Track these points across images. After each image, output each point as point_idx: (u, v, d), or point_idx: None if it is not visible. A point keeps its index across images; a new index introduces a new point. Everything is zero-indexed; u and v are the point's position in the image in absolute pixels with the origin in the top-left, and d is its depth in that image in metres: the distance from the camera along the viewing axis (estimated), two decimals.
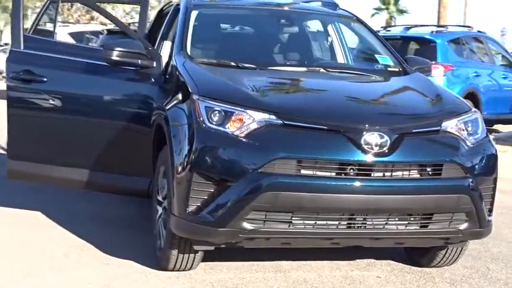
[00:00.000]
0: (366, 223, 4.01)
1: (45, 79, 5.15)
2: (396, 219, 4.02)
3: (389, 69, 5.21)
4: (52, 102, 5.23)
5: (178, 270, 4.47)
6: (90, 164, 5.18)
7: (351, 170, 3.87)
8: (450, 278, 4.69)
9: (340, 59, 5.92)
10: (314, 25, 5.98)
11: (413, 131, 4.04)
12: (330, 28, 6.01)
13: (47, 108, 5.24)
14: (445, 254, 4.68)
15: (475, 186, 4.05)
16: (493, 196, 4.29)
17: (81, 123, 5.18)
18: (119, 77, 5.10)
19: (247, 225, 3.89)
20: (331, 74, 5.03)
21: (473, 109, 4.44)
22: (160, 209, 4.62)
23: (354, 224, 4.00)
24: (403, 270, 4.78)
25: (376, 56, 5.35)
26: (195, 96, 4.13)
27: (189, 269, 4.48)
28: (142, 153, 5.03)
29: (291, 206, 3.86)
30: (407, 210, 3.98)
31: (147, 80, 5.01)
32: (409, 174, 3.97)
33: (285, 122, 3.95)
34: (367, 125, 3.96)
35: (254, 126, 3.95)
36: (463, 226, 4.11)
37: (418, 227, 4.10)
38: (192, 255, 4.34)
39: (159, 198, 4.64)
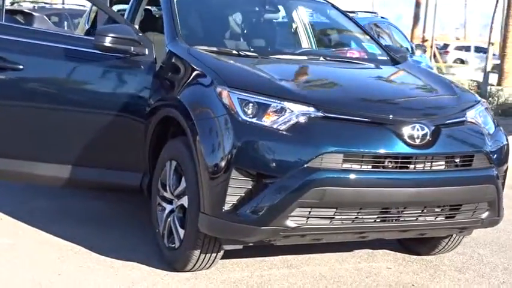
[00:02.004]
0: (400, 216, 3.95)
1: (21, 66, 4.67)
2: (429, 211, 3.98)
3: (379, 57, 5.18)
4: (30, 92, 4.76)
5: (192, 271, 4.22)
6: (74, 159, 4.80)
7: (396, 163, 3.80)
8: (453, 265, 4.77)
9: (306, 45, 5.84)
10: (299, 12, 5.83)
11: (446, 122, 4.03)
12: (296, 14, 5.89)
13: (24, 99, 4.78)
14: (448, 242, 4.74)
15: (498, 176, 4.11)
16: (503, 184, 4.37)
17: (64, 114, 4.77)
18: (106, 64, 4.75)
19: (290, 223, 3.74)
20: (339, 63, 4.92)
21: (482, 99, 4.50)
22: (168, 207, 4.35)
23: (390, 217, 3.94)
24: (406, 260, 4.80)
25: (364, 44, 5.30)
26: (224, 88, 3.90)
27: (204, 269, 4.23)
28: (133, 146, 4.72)
29: (337, 201, 3.74)
30: (444, 201, 3.97)
31: (137, 68, 4.69)
32: (446, 166, 3.95)
33: (326, 114, 3.82)
34: (408, 117, 3.92)
35: (294, 119, 3.79)
36: (485, 215, 4.16)
37: (444, 218, 4.09)
38: (214, 254, 4.14)
39: (166, 195, 4.37)
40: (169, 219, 4.34)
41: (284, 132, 3.74)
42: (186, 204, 4.11)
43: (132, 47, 4.61)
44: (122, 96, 4.71)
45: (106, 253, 4.53)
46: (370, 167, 3.79)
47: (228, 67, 4.23)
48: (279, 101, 3.84)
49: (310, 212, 3.76)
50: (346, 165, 3.74)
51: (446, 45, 36.10)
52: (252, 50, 4.84)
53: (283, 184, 3.68)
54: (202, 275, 4.23)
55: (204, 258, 4.13)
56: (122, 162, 4.81)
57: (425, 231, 4.22)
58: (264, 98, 3.85)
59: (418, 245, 4.84)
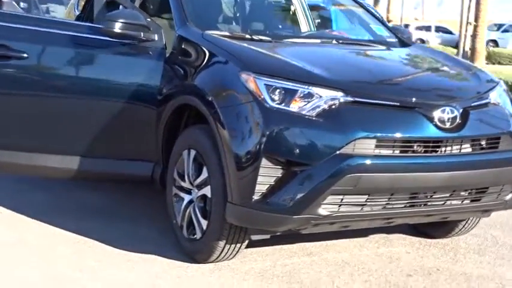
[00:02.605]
0: (429, 201, 3.89)
1: (25, 55, 4.48)
2: (456, 194, 3.93)
3: (388, 40, 5.10)
4: (35, 81, 4.58)
5: (214, 262, 4.11)
6: (82, 150, 4.63)
7: (428, 148, 3.73)
8: (470, 248, 4.75)
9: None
10: None
11: (473, 104, 3.97)
12: None
13: (29, 89, 4.59)
14: (464, 225, 4.72)
15: None
16: None
17: (71, 104, 4.59)
18: (114, 51, 4.58)
19: (322, 211, 3.65)
20: (352, 46, 4.83)
21: (501, 80, 4.46)
22: (187, 197, 4.23)
23: (418, 202, 3.88)
24: (422, 244, 4.77)
25: (372, 26, 5.21)
26: (249, 74, 3.78)
27: (226, 260, 4.13)
28: (144, 135, 4.58)
29: (371, 187, 3.67)
30: (473, 185, 3.92)
31: (146, 54, 4.53)
32: (474, 149, 3.90)
33: (356, 99, 3.72)
34: (438, 100, 3.86)
35: (323, 104, 3.69)
36: (509, 197, 4.13)
37: (469, 201, 4.05)
38: (238, 245, 4.04)
39: (184, 184, 4.24)
40: (188, 209, 4.21)
41: (314, 118, 3.63)
42: (208, 194, 3.97)
43: (142, 33, 4.44)
44: (131, 83, 4.55)
45: (120, 246, 4.40)
46: (402, 152, 3.70)
47: (250, 52, 4.10)
48: (306, 86, 3.73)
49: (342, 199, 3.67)
50: (379, 151, 3.65)
51: (407, 26, 36.30)
52: (264, 34, 4.69)
53: (316, 171, 3.58)
54: (225, 266, 4.12)
55: (229, 249, 4.03)
56: (132, 152, 4.66)
57: (450, 215, 4.18)
58: (291, 84, 3.74)
59: (434, 228, 4.80)
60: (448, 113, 3.77)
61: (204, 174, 4.01)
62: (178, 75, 4.38)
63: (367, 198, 3.72)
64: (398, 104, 3.76)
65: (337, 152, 3.58)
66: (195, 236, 4.13)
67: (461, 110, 3.84)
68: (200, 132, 4.07)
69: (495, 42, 36.60)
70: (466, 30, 20.15)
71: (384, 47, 4.92)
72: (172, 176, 4.36)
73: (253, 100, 3.70)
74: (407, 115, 3.75)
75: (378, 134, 3.64)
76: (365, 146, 3.62)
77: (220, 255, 4.04)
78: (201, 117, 4.19)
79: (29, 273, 3.93)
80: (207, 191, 4.00)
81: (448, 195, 3.93)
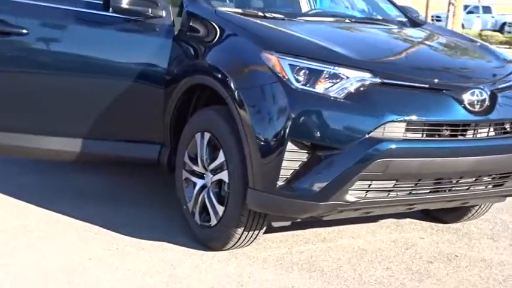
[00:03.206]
0: (453, 186, 3.78)
1: (25, 31, 4.24)
2: (481, 179, 3.82)
3: (399, 19, 4.96)
4: (35, 59, 4.33)
5: (228, 250, 3.94)
6: (84, 132, 4.41)
7: (457, 132, 3.61)
8: (482, 233, 4.67)
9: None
10: None
11: (499, 86, 3.86)
12: None
13: (29, 67, 4.35)
14: (478, 209, 4.62)
15: None
16: None
17: (73, 83, 4.36)
18: (119, 28, 4.37)
19: (350, 197, 3.51)
20: (367, 25, 4.67)
21: None
22: (199, 182, 4.05)
23: (444, 188, 3.75)
24: (434, 229, 4.68)
25: (381, 5, 5.06)
26: (271, 53, 3.60)
27: (240, 248, 3.97)
28: (150, 116, 4.37)
29: (400, 173, 3.53)
30: (499, 169, 3.82)
31: (153, 31, 4.32)
32: (499, 133, 3.79)
33: (384, 80, 3.56)
34: (467, 83, 3.73)
35: (350, 86, 3.53)
36: None
37: (492, 186, 3.94)
38: (256, 232, 3.88)
39: (196, 169, 4.06)
40: (201, 195, 4.03)
41: (342, 101, 3.47)
42: (226, 179, 3.80)
43: (149, 9, 4.22)
44: (137, 62, 4.35)
45: (128, 233, 4.21)
46: (431, 136, 3.57)
47: (270, 30, 3.92)
48: (332, 67, 3.56)
49: (370, 185, 3.52)
50: (409, 135, 3.51)
51: None
52: (276, 11, 4.49)
53: (345, 156, 3.43)
54: (241, 254, 3.97)
55: (247, 236, 3.87)
56: (137, 134, 4.47)
57: (471, 200, 4.06)
58: (317, 64, 3.57)
59: (445, 213, 4.71)
60: (477, 96, 3.65)
61: (221, 158, 3.83)
62: (189, 54, 4.18)
63: (395, 184, 3.58)
64: (427, 86, 3.61)
65: (367, 136, 3.42)
66: (210, 223, 3.96)
67: (489, 93, 3.71)
68: (215, 114, 3.89)
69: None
70: (448, 11, 20.21)
71: (397, 27, 4.76)
72: (183, 160, 4.17)
73: (277, 81, 3.52)
74: (437, 97, 3.62)
75: (408, 117, 3.49)
76: (395, 129, 3.47)
77: (237, 242, 3.88)
78: (213, 99, 4.00)
79: (39, 263, 3.72)
80: (223, 175, 3.82)
81: (473, 180, 3.81)
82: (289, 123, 3.45)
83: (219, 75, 3.80)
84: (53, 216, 4.45)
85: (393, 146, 3.43)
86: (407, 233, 4.54)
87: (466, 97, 3.62)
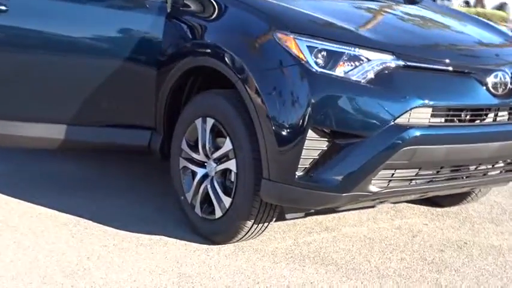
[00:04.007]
0: (472, 173, 3.62)
1: (3, 8, 3.86)
2: (497, 165, 3.68)
3: None
4: (15, 38, 3.96)
5: (232, 243, 3.70)
6: (68, 118, 4.07)
7: (482, 116, 3.44)
8: (482, 216, 4.58)
9: None
10: None
11: None
12: None
13: (8, 47, 3.97)
14: (477, 193, 4.51)
15: None
16: None
17: (56, 65, 4.00)
18: (107, 4, 4.03)
19: (373, 188, 3.30)
20: (379, 4, 4.41)
21: None
22: (200, 171, 3.78)
23: (462, 174, 3.60)
24: (433, 214, 4.56)
25: None
26: (286, 33, 3.34)
27: (244, 241, 3.73)
28: (140, 99, 4.07)
29: (425, 161, 3.34)
30: None
31: (143, 8, 3.99)
32: None
33: (407, 63, 3.34)
34: (489, 64, 3.55)
35: (372, 69, 3.30)
36: None
37: (505, 171, 3.82)
38: (266, 224, 3.64)
39: (196, 157, 3.79)
40: (203, 185, 3.75)
41: (366, 85, 3.25)
42: (233, 169, 3.53)
43: None
44: (126, 41, 4.00)
45: (121, 227, 3.91)
46: (457, 121, 3.37)
47: (283, 8, 3.64)
48: (353, 49, 3.32)
49: (393, 174, 3.31)
50: (434, 121, 3.31)
51: None
52: None
53: (370, 144, 3.21)
54: (247, 247, 3.73)
55: (255, 229, 3.64)
56: (125, 119, 4.17)
57: (482, 185, 3.91)
58: (336, 45, 3.33)
59: (444, 197, 4.56)
60: (500, 78, 3.49)
61: (227, 146, 3.56)
62: (186, 34, 3.88)
63: (417, 173, 3.39)
64: (451, 68, 3.41)
65: (392, 123, 3.21)
66: (214, 215, 3.68)
67: (510, 75, 3.54)
68: (220, 99, 3.61)
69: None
70: None
71: (399, 5, 4.53)
72: (179, 147, 3.88)
73: (295, 64, 3.27)
74: (461, 80, 3.44)
75: (434, 102, 3.30)
76: (421, 115, 3.27)
77: (245, 236, 3.63)
78: (214, 82, 3.71)
79: (33, 264, 3.39)
80: (230, 165, 3.56)
81: (490, 166, 3.64)
82: (310, 109, 3.20)
83: (226, 57, 3.52)
84: (35, 209, 4.11)
85: (420, 133, 3.24)
86: (408, 219, 4.38)
87: (490, 80, 3.46)
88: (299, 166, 3.26)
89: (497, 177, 3.83)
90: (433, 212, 4.57)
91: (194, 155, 3.80)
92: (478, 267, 3.68)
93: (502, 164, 3.76)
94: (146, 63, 3.97)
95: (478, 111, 3.44)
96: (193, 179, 3.82)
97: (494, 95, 3.46)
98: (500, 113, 3.52)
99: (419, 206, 4.64)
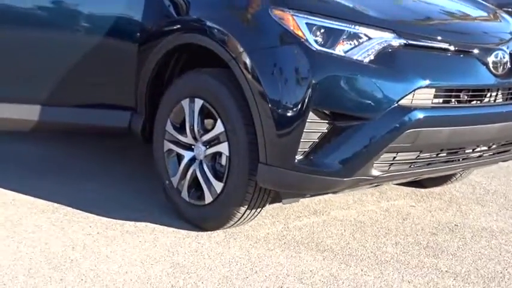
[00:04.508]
0: (468, 155, 3.54)
1: None
2: (492, 146, 3.61)
3: None
4: None
5: (222, 229, 3.55)
6: (44, 98, 3.83)
7: (484, 97, 3.34)
8: (466, 197, 4.53)
9: None
10: None
11: None
12: None
13: None
14: (462, 174, 4.44)
15: None
16: None
17: (28, 40, 3.75)
18: None
19: (375, 172, 3.18)
20: None
21: None
22: (187, 154, 3.61)
23: (459, 157, 3.51)
24: (417, 195, 4.50)
25: None
26: (283, 9, 3.18)
27: (233, 227, 3.59)
28: (119, 78, 3.85)
29: (428, 143, 3.22)
30: None
31: None
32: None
33: (409, 42, 3.22)
34: (490, 43, 3.46)
35: (373, 48, 3.16)
36: None
37: (498, 153, 3.76)
38: (259, 209, 3.50)
39: (183, 139, 3.62)
40: (190, 169, 3.57)
41: (368, 64, 3.11)
42: (225, 152, 3.37)
43: None
44: (103, 14, 3.81)
45: (102, 213, 3.72)
46: (459, 102, 3.27)
47: None
48: (352, 26, 3.17)
49: (394, 157, 3.20)
50: (436, 101, 3.19)
51: None
52: None
53: (373, 126, 3.09)
54: (237, 233, 3.59)
55: (248, 215, 3.49)
56: (103, 99, 3.96)
57: (475, 167, 3.84)
58: (336, 23, 3.18)
59: (427, 178, 4.45)
60: (500, 58, 3.40)
61: (218, 128, 3.38)
62: (173, 8, 3.67)
63: (418, 156, 3.27)
64: (453, 47, 3.29)
65: (396, 104, 3.08)
66: (203, 201, 3.51)
67: (509, 54, 3.45)
68: (210, 78, 3.43)
69: None
70: None
71: None
72: (164, 129, 3.68)
73: (294, 42, 3.10)
74: (464, 60, 3.33)
75: (437, 83, 3.19)
76: (424, 96, 3.16)
77: (237, 222, 3.47)
78: (201, 61, 3.53)
79: (16, 256, 3.18)
80: (222, 148, 3.39)
81: (487, 147, 3.56)
82: (311, 90, 3.05)
83: (218, 35, 3.33)
84: (7, 195, 3.88)
85: (424, 115, 3.12)
86: (395, 201, 4.30)
87: (491, 59, 3.37)
88: (299, 150, 3.09)
89: (490, 159, 3.74)
90: (417, 193, 4.49)
91: (181, 138, 3.61)
92: (473, 250, 3.60)
93: (495, 146, 3.66)
94: (125, 40, 3.77)
95: (480, 92, 3.34)
96: (180, 162, 3.63)
97: (495, 75, 3.36)
98: (499, 94, 3.41)
99: (402, 187, 4.56)
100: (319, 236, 3.63)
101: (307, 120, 3.07)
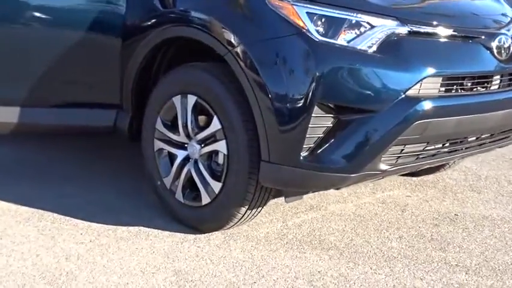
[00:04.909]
0: (471, 143, 3.44)
1: None
2: (497, 133, 3.52)
3: None
4: None
5: (220, 230, 3.39)
6: (22, 99, 3.61)
7: (488, 84, 3.23)
8: (461, 185, 4.45)
9: None
10: None
11: None
12: None
13: None
14: (454, 162, 4.35)
15: None
16: None
17: (6, 38, 3.51)
18: None
19: (382, 166, 3.04)
20: None
21: None
22: (180, 153, 3.43)
23: (462, 146, 3.40)
24: (411, 184, 4.40)
25: None
26: None
27: (231, 228, 3.43)
28: (103, 75, 3.65)
29: (436, 134, 3.10)
30: None
31: None
32: None
33: (413, 29, 3.08)
34: (492, 28, 3.33)
35: (376, 36, 3.02)
36: None
37: (499, 139, 3.66)
38: (259, 209, 3.35)
39: (175, 138, 3.44)
40: (185, 169, 3.39)
41: (373, 54, 2.96)
42: (223, 151, 3.20)
43: None
44: (83, 8, 3.54)
45: (91, 219, 3.53)
46: (465, 90, 3.15)
47: None
48: (354, 14, 3.02)
49: (402, 150, 3.06)
50: (443, 90, 3.07)
51: None
52: None
53: (380, 119, 2.95)
54: (236, 234, 3.43)
55: (248, 215, 3.32)
56: (86, 98, 3.73)
57: (473, 154, 3.74)
58: (337, 11, 3.01)
59: None
60: (503, 42, 3.28)
61: (215, 126, 3.20)
62: (158, 0, 3.44)
63: (425, 147, 3.14)
64: (458, 33, 3.17)
65: (403, 95, 2.94)
66: (199, 202, 3.34)
67: (511, 38, 3.34)
68: (204, 73, 3.24)
69: None
70: None
71: None
72: (153, 127, 3.49)
73: (295, 33, 2.94)
74: (468, 46, 3.22)
75: (444, 71, 3.06)
76: (431, 85, 3.03)
77: (236, 223, 3.30)
78: (190, 55, 3.35)
79: (7, 269, 2.98)
80: (219, 147, 3.21)
81: (489, 135, 3.45)
82: (315, 83, 2.89)
83: (212, 27, 3.15)
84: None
85: (432, 105, 2.99)
86: (389, 192, 4.19)
87: (494, 44, 3.25)
88: (304, 146, 2.94)
89: (490, 146, 3.65)
90: (411, 182, 4.38)
91: (172, 136, 3.43)
92: (479, 241, 3.51)
93: (497, 132, 3.56)
94: (108, 34, 3.57)
95: (485, 79, 3.21)
96: (172, 162, 3.45)
97: (499, 61, 3.24)
98: (503, 80, 3.30)
99: (395, 177, 4.43)
100: (321, 233, 3.49)
101: (312, 114, 2.90)
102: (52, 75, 3.60)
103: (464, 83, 3.14)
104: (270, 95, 2.94)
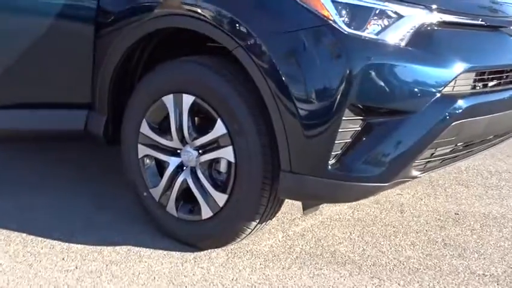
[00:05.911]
0: (487, 141, 3.21)
1: None
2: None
3: None
4: None
5: (223, 246, 3.02)
6: None
7: None
8: (447, 179, 4.25)
9: None
10: None
11: None
12: None
13: None
14: None
15: None
16: None
17: None
18: None
19: (415, 172, 2.75)
20: None
21: None
22: (173, 161, 3.02)
23: (483, 144, 3.17)
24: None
25: None
26: None
27: (232, 244, 3.07)
28: (71, 70, 3.16)
29: (469, 135, 2.82)
30: None
31: None
32: None
33: (444, 19, 2.78)
34: None
35: (406, 27, 2.69)
36: None
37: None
38: (269, 221, 2.98)
39: (167, 143, 3.01)
40: (179, 178, 2.96)
41: (405, 48, 2.62)
42: (230, 159, 2.80)
43: None
44: None
45: (68, 239, 3.11)
46: (494, 85, 2.88)
47: None
48: (381, 3, 2.67)
49: (433, 153, 2.77)
50: (477, 86, 2.79)
51: None
52: None
53: (416, 121, 2.64)
54: (238, 251, 3.07)
55: (257, 230, 2.93)
56: (52, 97, 3.21)
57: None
58: (364, 0, 2.64)
59: None
60: None
61: (219, 130, 2.78)
62: None
63: (453, 149, 2.85)
64: (488, 23, 2.89)
65: (439, 94, 2.62)
66: (198, 216, 2.93)
67: None
68: (204, 69, 2.82)
69: None
70: None
71: None
72: (137, 131, 3.03)
73: (320, 25, 2.57)
74: (498, 37, 2.94)
75: (478, 65, 2.76)
76: (464, 82, 2.73)
77: (243, 238, 2.91)
78: (174, 48, 2.93)
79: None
80: (224, 153, 2.80)
81: (504, 132, 3.23)
82: (347, 81, 2.53)
83: (220, 18, 2.71)
84: None
85: (468, 104, 2.70)
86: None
87: None
88: (333, 154, 2.57)
89: (500, 142, 3.42)
90: None
91: (162, 141, 2.99)
92: (493, 244, 3.30)
93: None
94: (76, 22, 3.05)
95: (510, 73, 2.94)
96: (161, 170, 3.00)
97: None
98: None
99: None
100: (328, 243, 3.17)
101: (344, 118, 2.53)
102: (10, 72, 3.05)
103: (493, 78, 2.85)
104: (292, 96, 2.56)
